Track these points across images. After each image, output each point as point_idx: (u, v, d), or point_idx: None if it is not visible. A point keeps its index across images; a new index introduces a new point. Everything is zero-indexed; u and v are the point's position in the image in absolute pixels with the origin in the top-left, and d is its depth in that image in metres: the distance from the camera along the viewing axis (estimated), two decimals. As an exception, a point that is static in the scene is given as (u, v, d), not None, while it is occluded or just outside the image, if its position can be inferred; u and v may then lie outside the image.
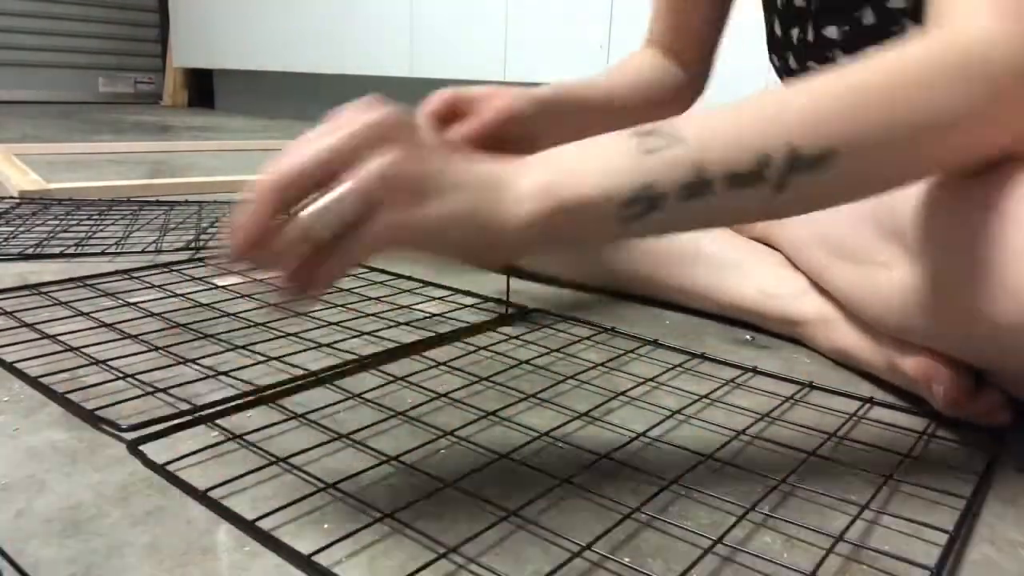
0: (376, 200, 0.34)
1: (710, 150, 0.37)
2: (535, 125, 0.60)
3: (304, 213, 0.34)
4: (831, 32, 0.64)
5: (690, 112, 0.83)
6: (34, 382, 0.50)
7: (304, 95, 3.27)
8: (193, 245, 0.90)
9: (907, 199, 0.49)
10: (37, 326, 0.61)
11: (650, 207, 0.36)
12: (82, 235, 0.93)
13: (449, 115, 0.58)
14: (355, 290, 0.75)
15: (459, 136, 0.57)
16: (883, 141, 0.38)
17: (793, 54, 0.70)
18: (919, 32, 0.41)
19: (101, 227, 0.98)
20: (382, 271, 0.82)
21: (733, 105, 0.39)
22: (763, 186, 0.37)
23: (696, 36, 0.78)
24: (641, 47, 0.80)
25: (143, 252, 0.87)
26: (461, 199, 0.36)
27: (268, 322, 0.65)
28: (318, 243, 0.34)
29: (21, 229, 0.94)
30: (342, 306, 0.70)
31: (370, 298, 0.73)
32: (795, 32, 0.69)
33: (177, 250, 0.88)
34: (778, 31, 0.72)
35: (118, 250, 0.87)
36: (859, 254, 0.55)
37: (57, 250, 0.85)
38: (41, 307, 0.66)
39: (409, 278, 0.80)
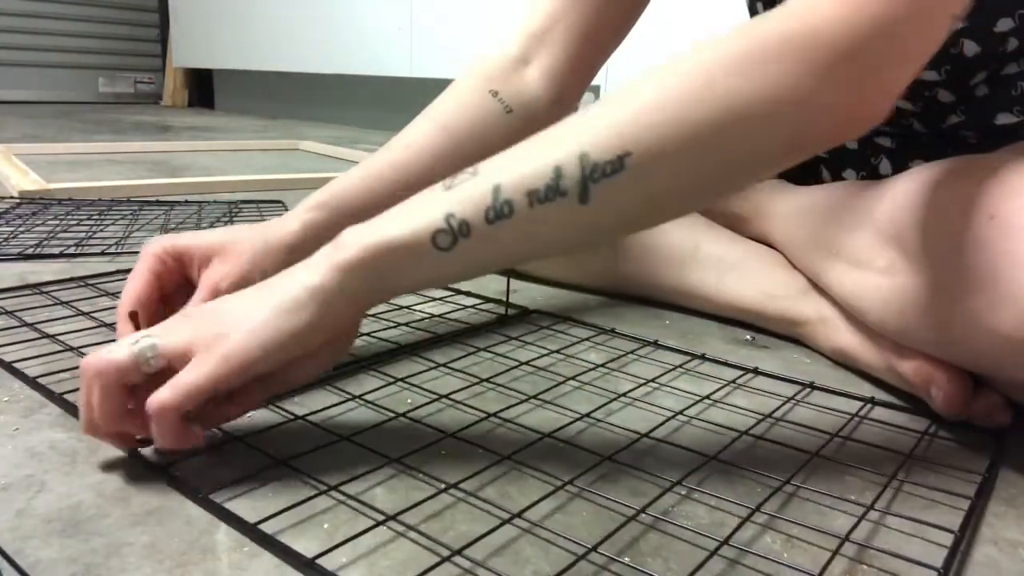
0: (188, 350, 0.39)
1: (506, 172, 0.38)
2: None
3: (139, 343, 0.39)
4: None
5: None
6: (33, 382, 0.50)
7: (304, 95, 3.27)
8: (193, 245, 0.90)
9: (907, 206, 0.49)
10: (37, 326, 0.61)
11: (459, 234, 0.38)
12: (82, 235, 0.92)
13: (171, 270, 0.50)
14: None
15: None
16: (676, 137, 0.36)
17: None
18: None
19: (101, 227, 0.98)
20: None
21: (531, 133, 0.40)
22: (564, 199, 0.37)
23: (581, 36, 0.60)
24: (498, 50, 0.61)
25: (143, 252, 0.86)
26: (263, 308, 0.39)
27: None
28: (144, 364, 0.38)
29: (21, 229, 0.94)
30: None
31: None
32: None
33: (177, 250, 0.88)
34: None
35: (118, 250, 0.87)
36: (859, 259, 0.55)
37: (57, 250, 0.85)
38: (41, 307, 0.66)
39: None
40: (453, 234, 0.38)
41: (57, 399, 0.48)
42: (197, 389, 0.37)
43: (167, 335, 0.39)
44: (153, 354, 0.38)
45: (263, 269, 0.49)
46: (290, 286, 0.39)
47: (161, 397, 0.37)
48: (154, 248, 0.48)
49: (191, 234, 0.50)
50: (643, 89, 0.37)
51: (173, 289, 0.51)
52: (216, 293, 0.47)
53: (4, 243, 0.87)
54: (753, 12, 0.72)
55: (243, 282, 0.48)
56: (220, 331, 0.39)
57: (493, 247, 0.39)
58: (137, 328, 0.47)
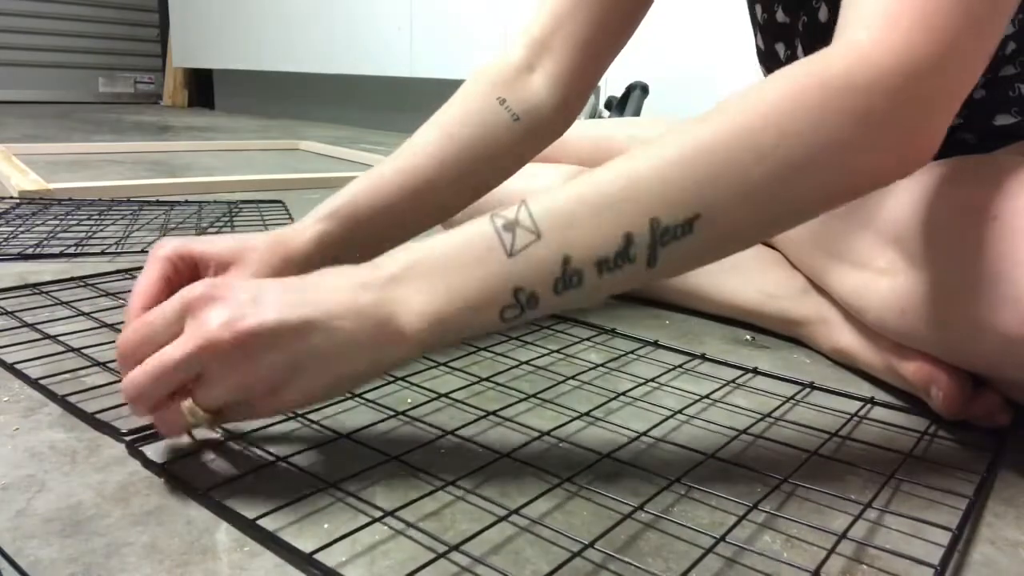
0: (230, 406, 0.39)
1: (573, 241, 0.37)
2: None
3: (184, 405, 0.39)
4: None
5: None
6: (35, 384, 0.50)
7: (304, 95, 3.27)
8: (193, 245, 0.90)
9: (908, 207, 0.49)
10: (38, 326, 0.61)
11: (526, 305, 0.37)
12: (82, 235, 0.93)
13: (181, 275, 0.48)
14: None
15: None
16: (745, 195, 0.36)
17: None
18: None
19: (101, 227, 0.98)
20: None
21: (581, 183, 0.38)
22: (634, 264, 0.37)
23: (584, 41, 0.60)
24: (504, 57, 0.61)
25: (143, 252, 0.87)
26: (351, 359, 0.38)
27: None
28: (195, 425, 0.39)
29: (21, 229, 0.94)
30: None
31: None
32: (780, 47, 0.68)
33: (177, 250, 0.88)
34: (762, 44, 0.72)
35: (118, 250, 0.87)
36: (860, 259, 0.55)
37: (57, 250, 0.85)
38: (42, 307, 0.66)
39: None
40: (521, 307, 0.37)
41: (59, 400, 0.48)
42: (261, 415, 0.40)
43: (207, 398, 0.37)
44: (196, 419, 0.38)
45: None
46: (363, 352, 0.38)
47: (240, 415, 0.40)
48: (166, 251, 0.47)
49: (205, 239, 0.50)
50: (703, 144, 0.37)
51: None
52: None
53: (4, 243, 0.87)
54: (753, 16, 0.72)
55: None
56: (266, 385, 0.37)
57: (554, 309, 0.39)
58: None
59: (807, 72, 0.37)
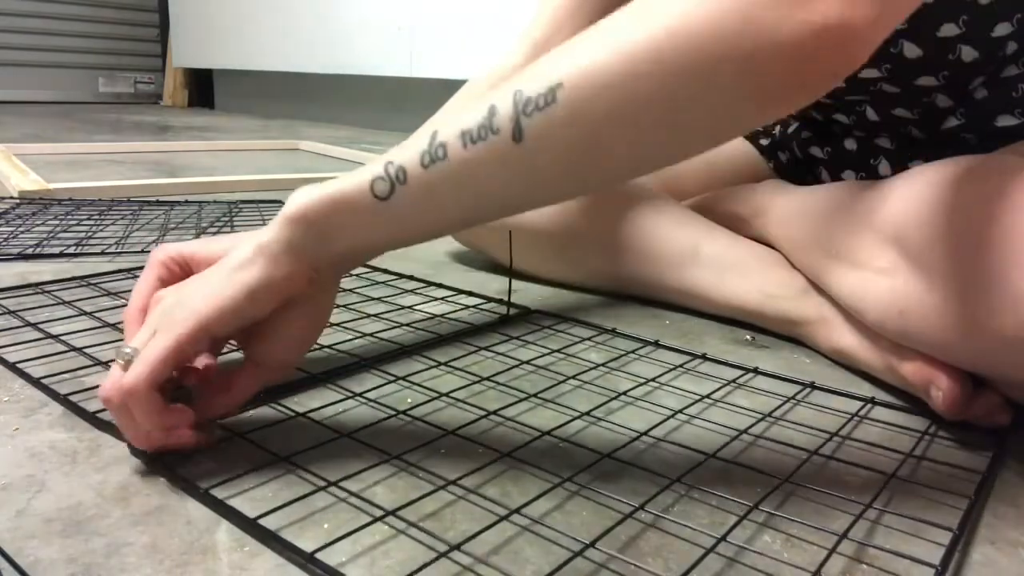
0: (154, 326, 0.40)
1: (442, 119, 0.39)
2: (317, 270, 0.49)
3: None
4: None
5: None
6: (37, 383, 0.50)
7: (304, 95, 3.27)
8: (193, 245, 0.90)
9: (908, 207, 0.49)
10: (40, 325, 0.61)
11: (396, 181, 0.38)
12: (82, 235, 0.93)
13: (176, 277, 0.48)
14: (357, 290, 0.75)
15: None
16: (612, 64, 0.34)
17: None
18: None
19: (101, 227, 0.98)
20: (385, 271, 0.82)
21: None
22: (496, 137, 0.36)
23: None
24: (506, 57, 0.62)
25: (143, 252, 0.87)
26: (215, 276, 0.41)
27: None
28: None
29: (21, 229, 0.94)
30: (344, 306, 0.70)
31: (372, 298, 0.73)
32: None
33: (177, 250, 0.88)
34: None
35: (118, 250, 0.87)
36: (859, 259, 0.55)
37: (57, 250, 0.85)
38: (43, 306, 0.66)
39: (411, 278, 0.80)
40: (391, 181, 0.38)
41: (61, 399, 0.48)
42: (158, 358, 0.38)
43: (139, 332, 0.41)
44: (133, 352, 0.39)
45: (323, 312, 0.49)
46: (240, 248, 0.41)
47: (127, 377, 0.38)
48: (160, 255, 0.48)
49: (200, 242, 0.49)
50: (586, 33, 0.36)
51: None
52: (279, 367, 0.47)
53: (4, 243, 0.87)
54: None
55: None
56: (178, 303, 0.41)
57: (429, 196, 0.38)
58: None
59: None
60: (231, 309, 0.40)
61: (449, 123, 0.37)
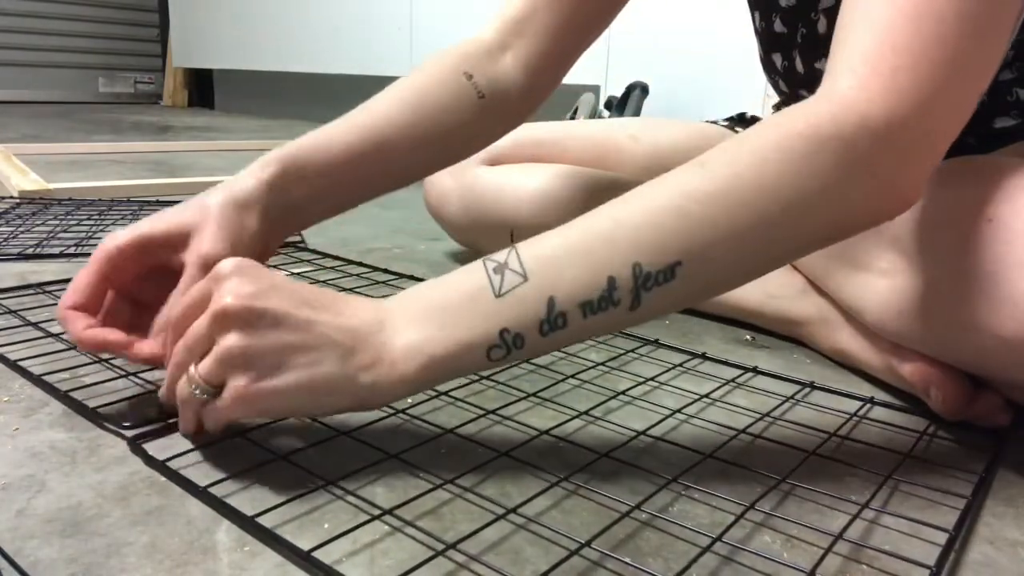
0: (223, 376, 0.38)
1: (558, 284, 0.37)
2: (262, 233, 0.51)
3: (191, 378, 0.40)
4: (824, 65, 0.64)
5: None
6: (38, 380, 0.50)
7: (304, 95, 3.27)
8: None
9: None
10: (40, 324, 0.61)
11: (512, 346, 0.38)
12: (82, 235, 0.93)
13: (121, 270, 0.48)
14: (357, 290, 0.75)
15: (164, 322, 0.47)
16: (727, 245, 0.37)
17: (781, 79, 0.70)
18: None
19: (101, 227, 0.98)
20: (385, 271, 0.82)
21: (570, 227, 0.39)
22: (617, 307, 0.38)
23: (559, 26, 0.60)
24: (476, 35, 0.61)
25: (143, 252, 0.87)
26: (329, 369, 0.38)
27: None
28: (195, 399, 0.39)
29: (21, 229, 0.94)
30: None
31: (373, 298, 0.73)
32: (777, 58, 0.68)
33: (177, 250, 0.88)
34: (761, 53, 0.71)
35: (118, 250, 0.87)
36: (859, 260, 0.55)
37: (57, 250, 0.85)
38: (44, 306, 0.66)
39: (412, 278, 0.80)
40: (508, 347, 0.38)
41: (61, 396, 0.48)
42: (227, 413, 0.39)
43: (208, 369, 0.39)
44: (202, 392, 0.39)
45: (246, 233, 0.50)
46: (348, 377, 0.38)
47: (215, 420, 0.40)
48: (108, 250, 0.47)
49: (148, 220, 0.48)
50: (688, 193, 0.38)
51: (134, 281, 0.48)
52: (207, 270, 0.43)
53: (4, 243, 0.87)
54: (753, 23, 0.72)
55: (233, 254, 0.46)
56: (251, 362, 0.38)
57: (539, 350, 0.40)
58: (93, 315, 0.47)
59: (792, 121, 0.38)
60: (305, 413, 0.44)
61: (566, 291, 0.37)
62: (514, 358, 0.39)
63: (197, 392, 0.39)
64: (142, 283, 0.49)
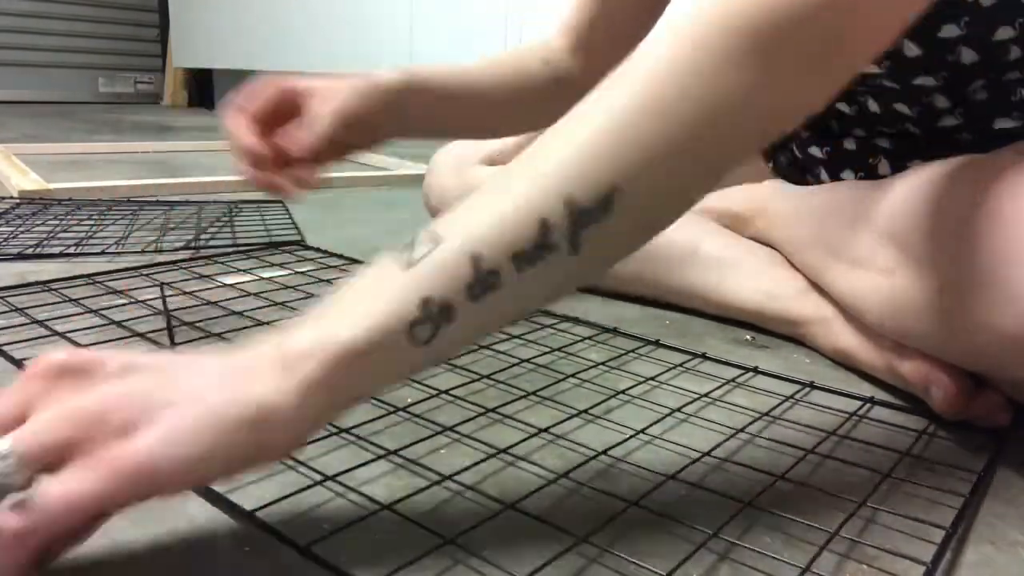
0: (45, 464, 0.27)
1: (481, 237, 0.32)
2: (378, 119, 0.60)
3: None
4: None
5: None
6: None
7: (304, 95, 3.27)
8: (193, 245, 0.90)
9: (907, 206, 0.50)
10: (47, 323, 0.61)
11: (441, 320, 0.31)
12: (82, 235, 0.93)
13: (277, 112, 0.60)
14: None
15: (294, 149, 0.59)
16: (665, 157, 0.33)
17: None
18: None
19: (101, 227, 0.98)
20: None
21: (488, 181, 0.35)
22: (555, 254, 0.32)
23: (611, 36, 0.70)
24: (551, 36, 0.72)
25: (143, 252, 0.87)
26: (211, 402, 0.29)
27: (273, 321, 0.65)
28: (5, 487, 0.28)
29: (21, 229, 0.94)
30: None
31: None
32: None
33: (177, 250, 0.88)
34: None
35: (118, 250, 0.87)
36: (859, 258, 0.55)
37: (57, 250, 0.85)
38: (50, 304, 0.66)
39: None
40: (434, 322, 0.31)
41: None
42: (70, 510, 0.26)
43: (29, 436, 0.27)
44: (6, 468, 0.27)
45: (367, 105, 0.59)
46: (237, 394, 0.30)
47: (15, 521, 0.26)
48: (256, 96, 0.54)
49: (294, 78, 0.57)
50: (612, 113, 0.34)
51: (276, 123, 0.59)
52: (333, 119, 0.57)
53: (4, 243, 0.87)
54: None
55: (349, 115, 0.58)
56: (109, 422, 0.28)
57: (479, 324, 0.33)
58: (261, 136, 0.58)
59: (701, 16, 0.34)
60: (193, 479, 0.30)
61: (492, 242, 0.32)
62: (444, 342, 0.32)
63: (16, 482, 0.28)
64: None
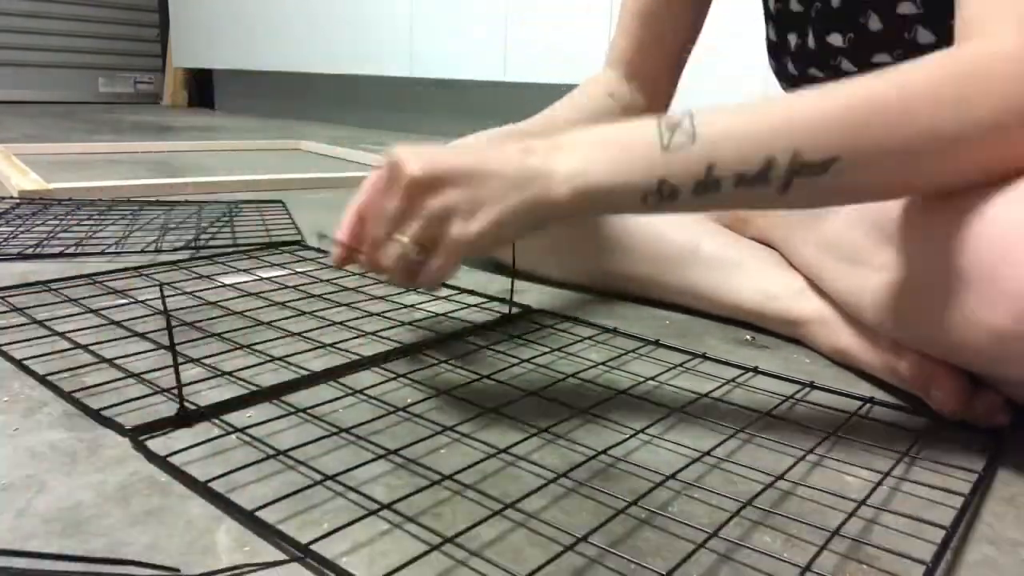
0: (434, 235, 0.44)
1: (721, 152, 0.40)
2: None
3: (394, 247, 0.45)
4: (835, 40, 0.64)
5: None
6: (43, 380, 0.51)
7: (304, 95, 3.27)
8: (193, 245, 0.90)
9: (904, 205, 0.49)
10: (47, 323, 0.61)
11: (667, 197, 0.42)
12: (82, 235, 0.93)
13: None
14: (360, 289, 0.75)
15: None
16: (885, 152, 0.39)
17: (791, 59, 0.70)
18: (943, 47, 0.42)
19: (101, 227, 0.98)
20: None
21: (746, 105, 0.42)
22: (768, 186, 0.40)
23: (663, 57, 0.77)
24: (602, 69, 0.79)
25: (143, 252, 0.87)
26: (511, 202, 0.43)
27: (273, 321, 0.65)
28: (411, 260, 0.44)
29: (21, 229, 0.94)
30: (347, 305, 0.70)
31: (375, 297, 0.73)
32: (792, 37, 0.68)
33: (177, 249, 0.88)
34: (773, 36, 0.72)
35: (118, 250, 0.87)
36: (857, 257, 0.55)
37: (57, 250, 0.85)
38: (50, 304, 0.66)
39: (409, 278, 0.80)
40: (661, 195, 0.42)
41: (65, 396, 0.48)
42: (448, 264, 0.44)
43: (417, 235, 0.44)
44: (416, 253, 0.44)
45: None
46: (525, 196, 0.43)
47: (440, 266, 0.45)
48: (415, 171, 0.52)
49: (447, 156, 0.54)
50: (860, 95, 0.40)
51: None
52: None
53: (4, 243, 0.87)
54: (765, 8, 0.72)
55: None
56: (456, 215, 0.43)
57: (687, 207, 0.43)
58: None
59: (958, 59, 0.41)
60: (498, 243, 0.45)
61: (726, 160, 0.40)
62: (664, 208, 0.42)
63: (413, 254, 0.44)
64: None
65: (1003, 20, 0.41)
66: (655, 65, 0.77)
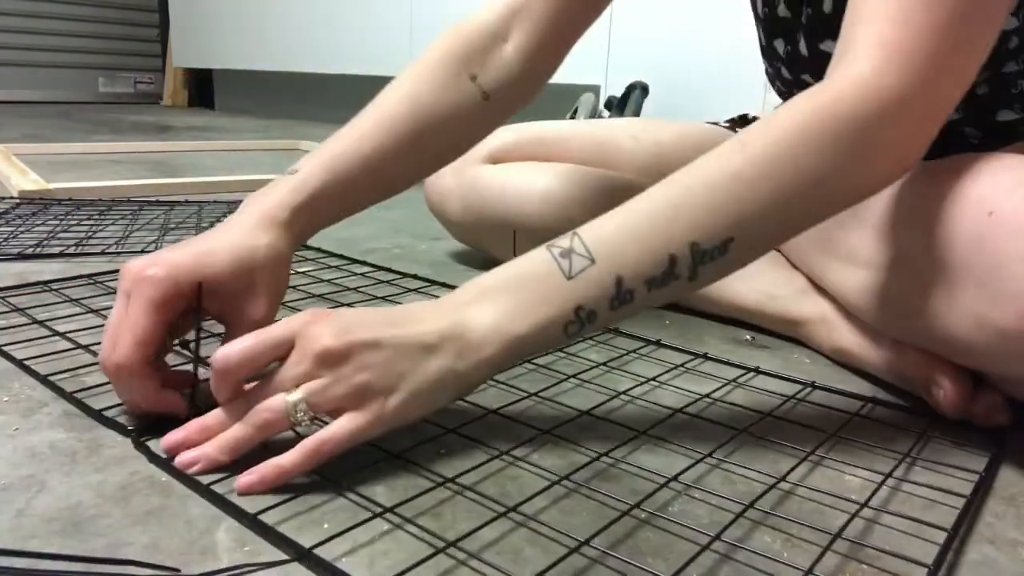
0: (345, 406, 0.40)
1: (624, 263, 0.42)
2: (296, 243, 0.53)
3: (290, 398, 0.40)
4: (828, 47, 0.63)
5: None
6: (44, 380, 0.51)
7: (304, 95, 3.27)
8: (193, 245, 0.90)
9: (906, 204, 0.49)
10: (47, 323, 0.61)
11: (587, 321, 0.42)
12: (82, 235, 0.93)
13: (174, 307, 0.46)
14: (360, 289, 0.75)
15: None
16: (768, 217, 0.42)
17: (784, 65, 0.70)
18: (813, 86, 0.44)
19: (101, 227, 0.98)
20: (388, 270, 0.82)
21: (626, 212, 0.43)
22: (678, 280, 0.42)
23: (563, 22, 0.61)
24: (476, 18, 0.61)
25: (143, 252, 0.87)
26: (427, 370, 0.41)
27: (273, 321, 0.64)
28: (295, 422, 0.40)
29: (21, 229, 0.94)
30: (347, 306, 0.70)
31: (375, 297, 0.73)
32: (780, 43, 0.68)
33: (177, 250, 0.88)
34: (763, 40, 0.71)
35: (118, 250, 0.87)
36: (857, 256, 0.55)
37: (57, 250, 0.85)
38: (50, 304, 0.66)
39: (415, 277, 0.80)
40: (582, 323, 0.42)
41: (67, 396, 0.48)
42: (352, 438, 0.40)
43: (317, 394, 0.40)
44: (304, 414, 0.40)
45: (283, 286, 0.52)
46: (443, 367, 0.41)
47: (315, 443, 0.40)
48: (165, 288, 0.45)
49: (198, 262, 0.47)
50: (730, 176, 0.42)
51: (178, 318, 0.47)
52: (254, 327, 0.43)
53: (4, 243, 0.87)
54: (754, 11, 0.72)
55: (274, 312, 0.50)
56: (372, 390, 0.40)
57: (611, 322, 0.44)
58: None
59: (816, 107, 0.42)
60: (408, 423, 0.42)
61: (631, 270, 0.42)
62: (586, 332, 0.43)
63: (304, 421, 0.40)
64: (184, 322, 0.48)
65: (866, 45, 0.43)
66: (545, 16, 0.61)
